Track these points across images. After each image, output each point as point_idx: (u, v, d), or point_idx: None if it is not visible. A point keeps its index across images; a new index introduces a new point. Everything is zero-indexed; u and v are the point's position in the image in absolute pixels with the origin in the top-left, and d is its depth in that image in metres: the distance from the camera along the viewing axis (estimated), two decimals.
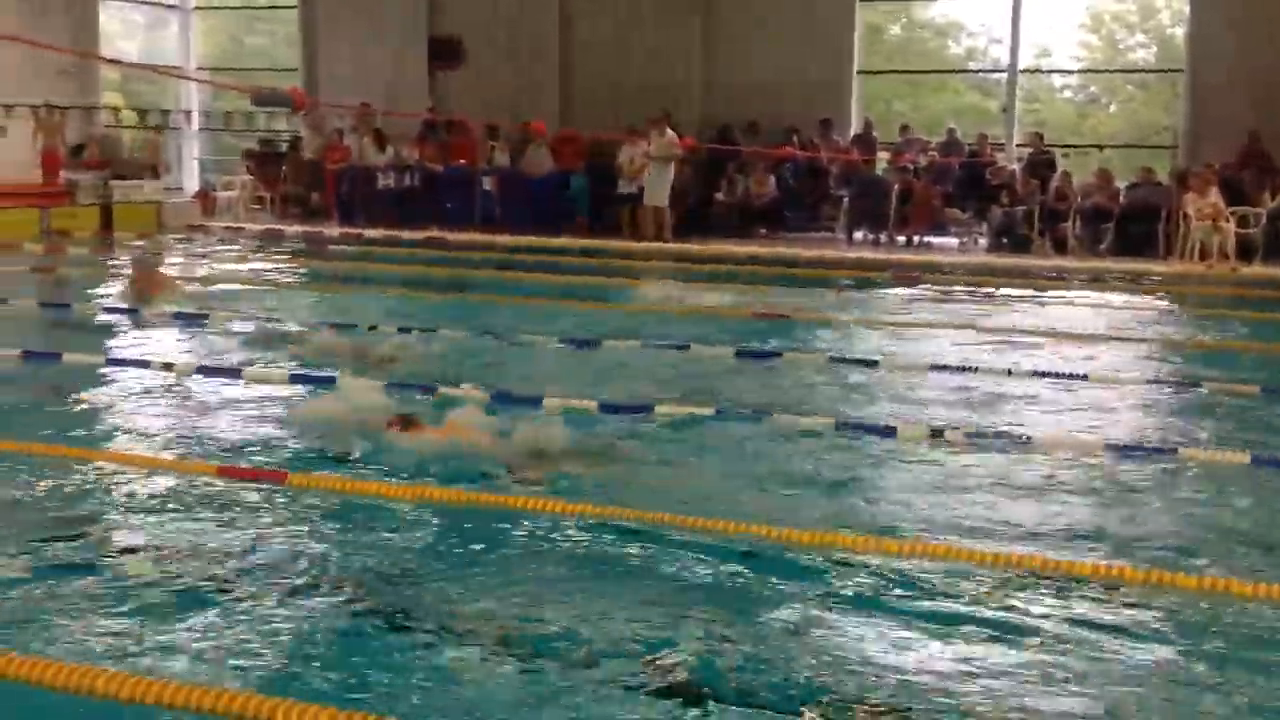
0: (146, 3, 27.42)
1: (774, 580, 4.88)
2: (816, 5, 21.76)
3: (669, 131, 19.24)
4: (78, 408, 7.66)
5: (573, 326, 10.90)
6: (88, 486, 5.98)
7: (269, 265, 16.36)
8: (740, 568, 4.98)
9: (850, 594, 4.77)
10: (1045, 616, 4.55)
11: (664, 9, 22.34)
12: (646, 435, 7.08)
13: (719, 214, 20.64)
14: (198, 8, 27.10)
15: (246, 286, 13.89)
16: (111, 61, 24.11)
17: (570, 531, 5.36)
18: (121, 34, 26.87)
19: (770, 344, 10.14)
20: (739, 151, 20.41)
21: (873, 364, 9.45)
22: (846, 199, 20.12)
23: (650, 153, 19.17)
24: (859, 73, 22.46)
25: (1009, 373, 9.04)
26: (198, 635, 4.25)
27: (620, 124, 19.20)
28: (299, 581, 4.74)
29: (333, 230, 20.40)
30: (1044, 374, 8.95)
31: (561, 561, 5.06)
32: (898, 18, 28.03)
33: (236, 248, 18.51)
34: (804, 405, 8.00)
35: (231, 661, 4.05)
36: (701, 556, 5.07)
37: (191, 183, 25.99)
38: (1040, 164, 19.90)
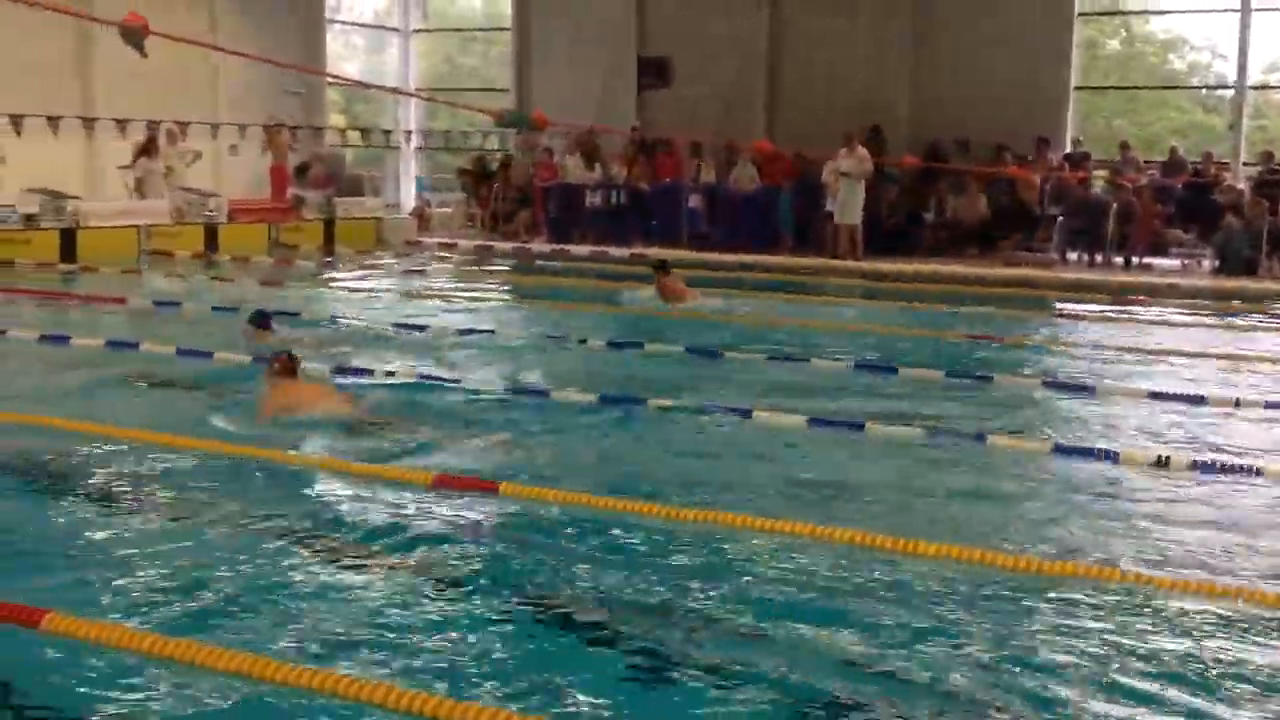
0: (370, 26, 28.56)
1: (991, 600, 4.78)
2: (1033, 20, 21.26)
3: (860, 148, 19.02)
4: (302, 415, 7.97)
5: (782, 339, 10.92)
6: (303, 492, 6.23)
7: (483, 281, 16.80)
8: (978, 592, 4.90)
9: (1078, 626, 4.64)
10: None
11: (876, 25, 22.17)
12: (856, 456, 7.02)
13: (927, 232, 20.33)
14: (417, 30, 28.07)
15: (464, 302, 14.27)
16: (361, 84, 25.22)
17: (797, 553, 5.35)
18: (344, 56, 27.99)
19: (981, 367, 9.94)
20: (953, 169, 20.02)
21: (1088, 389, 9.17)
22: (1061, 218, 19.55)
23: (840, 170, 18.99)
24: (1076, 89, 21.85)
25: (1237, 404, 8.63)
26: (411, 639, 4.39)
27: (828, 140, 19.06)
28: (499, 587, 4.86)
29: (542, 246, 20.83)
30: (1274, 405, 8.53)
31: (773, 582, 5.05)
32: (1117, 32, 27.20)
33: (450, 263, 19.09)
34: (1017, 429, 7.82)
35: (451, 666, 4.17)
36: (953, 585, 5.00)
37: (409, 200, 26.91)
38: (1270, 183, 18.97)
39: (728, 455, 7.07)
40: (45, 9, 13.08)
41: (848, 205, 19.08)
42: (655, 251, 19.53)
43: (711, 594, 4.83)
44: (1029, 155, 20.43)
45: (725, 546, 5.39)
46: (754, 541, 5.42)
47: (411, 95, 25.88)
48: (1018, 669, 4.20)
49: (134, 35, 6.35)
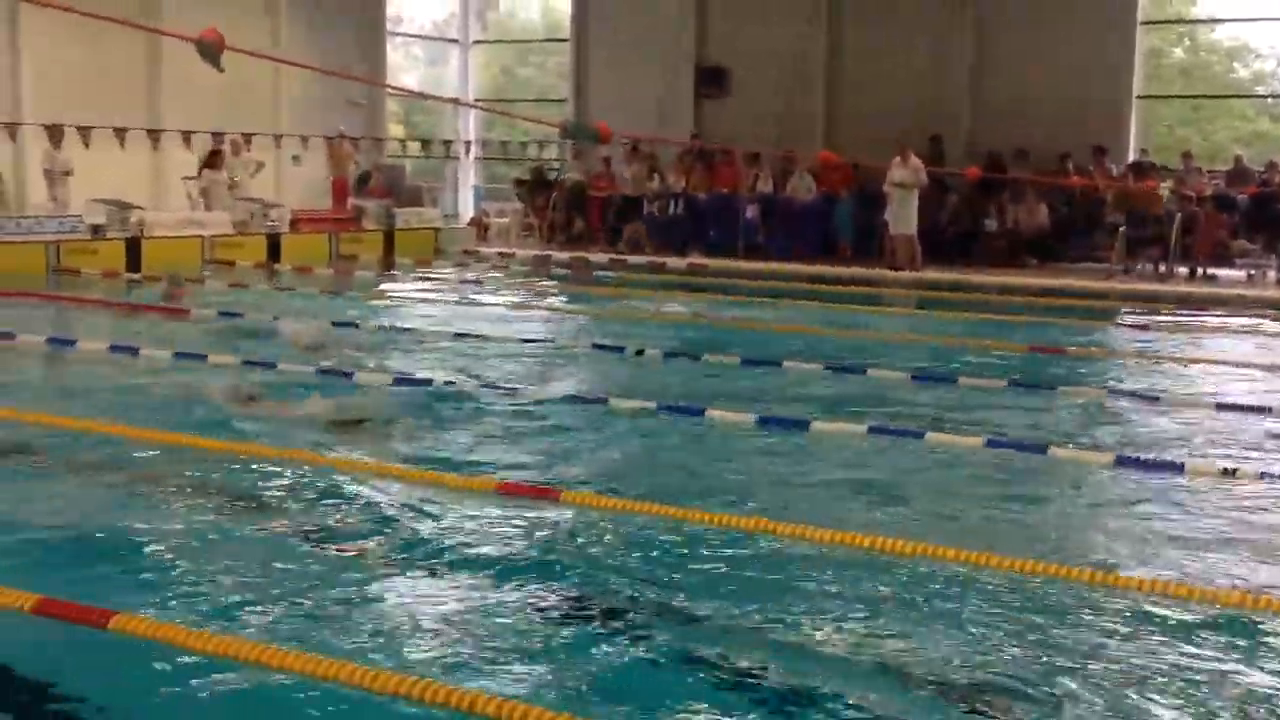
0: (430, 38, 28.82)
1: (1058, 613, 4.74)
2: (1096, 29, 21.08)
3: (914, 158, 18.91)
4: (366, 423, 8.05)
5: (835, 351, 10.90)
6: (367, 498, 6.28)
7: (540, 290, 16.88)
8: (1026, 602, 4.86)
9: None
10: None
11: (935, 33, 22.08)
12: (913, 466, 6.99)
13: (987, 242, 20.19)
14: (476, 42, 28.28)
15: (522, 311, 14.35)
16: (424, 96, 25.46)
17: (858, 564, 5.33)
18: (404, 67, 28.27)
19: (1044, 377, 9.85)
20: (1017, 179, 19.85)
21: (1153, 399, 9.07)
22: (1123, 229, 19.34)
23: (894, 180, 18.89)
24: (1139, 98, 21.63)
25: None
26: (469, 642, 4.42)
27: (887, 150, 18.98)
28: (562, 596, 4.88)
29: (599, 256, 20.89)
30: None
31: (820, 587, 5.04)
32: (1180, 40, 26.91)
33: (508, 272, 19.20)
34: (1081, 439, 7.75)
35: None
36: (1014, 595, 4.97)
37: (467, 209, 27.10)
38: None
39: (786, 464, 7.05)
40: (122, 25, 13.34)
41: (902, 215, 18.99)
42: (713, 262, 19.58)
43: (770, 604, 4.82)
44: (1091, 165, 20.24)
45: (784, 556, 5.38)
46: (813, 551, 5.40)
47: (474, 106, 26.10)
48: (1090, 682, 4.16)
49: (211, 50, 6.44)
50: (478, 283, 17.70)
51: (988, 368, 10.30)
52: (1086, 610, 4.81)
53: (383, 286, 17.29)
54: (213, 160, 20.10)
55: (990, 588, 4.99)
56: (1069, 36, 21.12)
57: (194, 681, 4.02)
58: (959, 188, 20.44)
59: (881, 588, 5.01)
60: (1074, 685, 4.13)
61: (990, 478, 6.79)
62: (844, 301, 15.62)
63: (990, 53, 21.84)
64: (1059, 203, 20.18)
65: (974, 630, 4.57)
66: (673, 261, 19.84)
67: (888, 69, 22.28)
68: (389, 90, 24.75)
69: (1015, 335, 12.45)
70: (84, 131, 19.26)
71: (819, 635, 4.54)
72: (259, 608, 4.67)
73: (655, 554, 5.41)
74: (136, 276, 16.74)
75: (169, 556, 5.27)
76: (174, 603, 4.70)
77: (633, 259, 20.28)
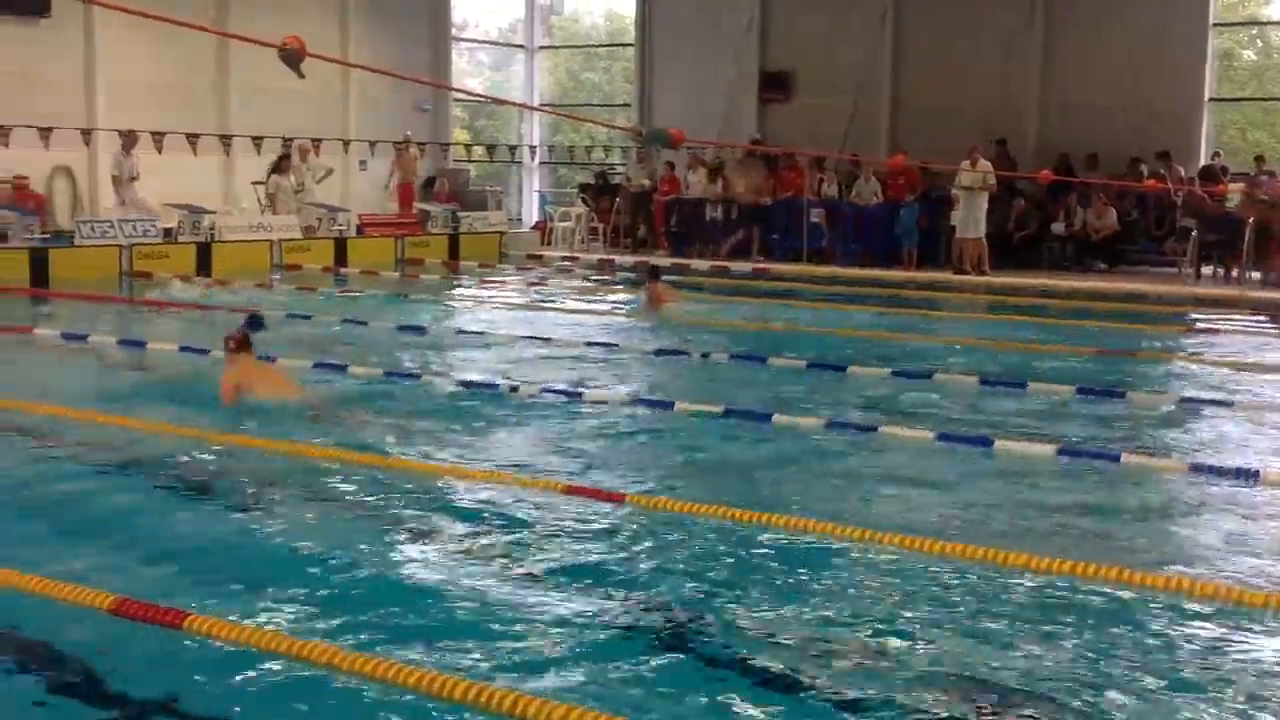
0: (497, 44, 29.01)
1: (1132, 622, 4.68)
2: (1166, 31, 20.81)
3: (983, 161, 18.72)
4: (433, 425, 8.11)
5: (901, 356, 10.83)
6: (440, 499, 6.33)
7: (604, 294, 16.92)
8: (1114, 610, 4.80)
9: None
10: None
11: (1003, 37, 21.89)
12: (981, 473, 6.92)
13: (1054, 247, 19.98)
14: (542, 47, 28.43)
15: (586, 315, 14.38)
16: (498, 101, 25.72)
17: (923, 569, 5.29)
18: (469, 72, 28.47)
19: (1114, 382, 9.73)
20: (1088, 183, 19.60)
21: (1226, 405, 8.93)
22: (1194, 233, 19.05)
23: (962, 184, 18.73)
24: (1210, 100, 21.30)
25: None
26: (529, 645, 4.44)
27: (953, 154, 18.83)
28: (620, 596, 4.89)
29: (663, 261, 20.88)
30: None
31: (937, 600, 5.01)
32: (1253, 42, 26.47)
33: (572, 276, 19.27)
34: (1153, 446, 7.65)
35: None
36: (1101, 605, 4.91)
37: (531, 214, 27.23)
38: None
39: (853, 469, 7.02)
40: (198, 31, 13.56)
41: (970, 219, 18.83)
42: (777, 267, 19.54)
43: (834, 609, 4.80)
44: (1160, 168, 19.96)
45: (848, 560, 5.36)
46: (878, 556, 5.37)
47: (544, 110, 26.24)
48: (1169, 690, 4.11)
49: (293, 57, 6.51)
50: (542, 286, 17.77)
51: (1056, 373, 10.18)
52: (1159, 617, 4.74)
53: (447, 290, 17.40)
54: (281, 165, 20.35)
55: (1062, 596, 4.94)
56: (1139, 38, 20.86)
57: (265, 682, 4.07)
58: (1027, 191, 20.23)
59: (950, 594, 4.97)
60: (1148, 688, 4.08)
61: (1061, 485, 6.71)
62: (910, 306, 15.53)
63: (1059, 54, 21.62)
64: (1128, 206, 19.92)
65: (1043, 637, 4.53)
66: (737, 266, 19.80)
67: (954, 71, 22.12)
68: (461, 95, 24.96)
69: (1084, 340, 12.30)
70: (157, 137, 19.57)
71: (888, 642, 4.51)
72: (328, 609, 4.72)
73: (721, 558, 5.41)
74: (208, 280, 16.97)
75: (240, 558, 5.34)
76: (246, 604, 4.76)
77: (697, 264, 20.26)
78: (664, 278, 15.02)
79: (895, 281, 18.10)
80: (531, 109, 26.39)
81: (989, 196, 18.85)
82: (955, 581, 5.10)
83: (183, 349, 10.50)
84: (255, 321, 8.24)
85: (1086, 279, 18.22)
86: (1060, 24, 21.66)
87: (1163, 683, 4.17)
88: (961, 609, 4.84)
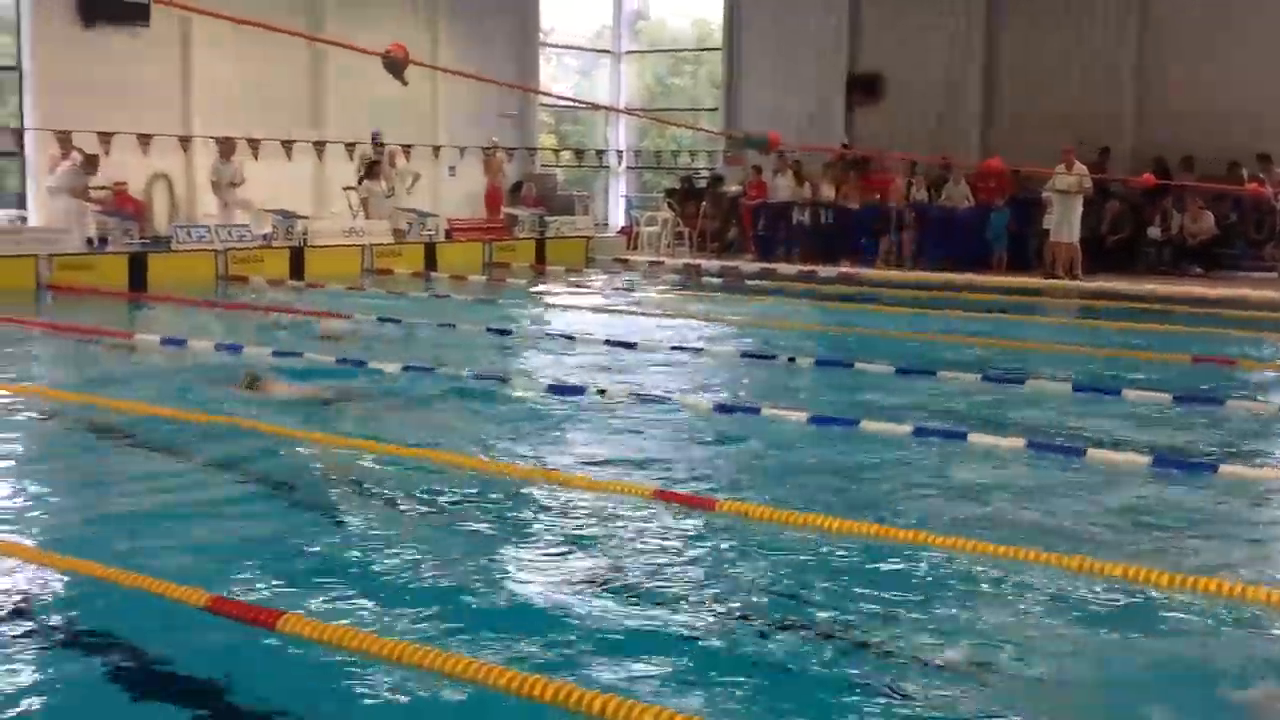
0: (584, 50, 29.13)
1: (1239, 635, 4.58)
2: (1268, 32, 20.30)
3: (1078, 164, 18.38)
4: (520, 428, 8.17)
5: (992, 361, 10.71)
6: (528, 503, 6.37)
7: (690, 298, 16.92)
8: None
9: None
10: None
11: (1099, 37, 21.52)
12: (1074, 482, 6.81)
13: (1149, 251, 19.60)
14: (629, 52, 28.50)
15: (672, 319, 14.38)
16: (594, 106, 25.85)
17: (1017, 579, 5.22)
18: (556, 78, 28.59)
19: (1211, 390, 9.52)
20: (1189, 187, 19.18)
21: None
22: None
23: (1057, 187, 18.42)
24: None
25: None
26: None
27: (1046, 156, 18.52)
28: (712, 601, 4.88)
29: (750, 265, 20.85)
30: None
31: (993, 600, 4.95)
32: None
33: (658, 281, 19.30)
34: (1252, 457, 7.48)
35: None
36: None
37: (617, 218, 27.31)
38: None
39: (941, 477, 6.95)
40: (292, 37, 13.76)
41: (1064, 223, 18.53)
42: (865, 272, 19.40)
43: (922, 619, 4.76)
44: (1260, 172, 19.48)
45: (937, 568, 5.30)
46: (965, 565, 5.31)
47: (638, 115, 26.32)
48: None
49: (396, 65, 6.60)
50: (628, 290, 17.81)
51: (1151, 380, 9.99)
52: (1258, 632, 4.64)
53: (534, 294, 17.51)
54: (373, 171, 20.63)
55: (1151, 605, 4.86)
56: (1240, 40, 20.37)
57: (357, 683, 4.12)
58: (1121, 194, 19.87)
59: (1041, 603, 4.90)
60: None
61: (1156, 495, 6.59)
62: (1000, 311, 15.35)
63: (1156, 55, 21.20)
64: (1226, 210, 19.47)
65: (1139, 646, 4.45)
66: (824, 270, 19.70)
67: (1047, 73, 21.80)
68: (548, 100, 25.08)
69: (1180, 346, 12.05)
70: (253, 144, 19.94)
71: (982, 651, 4.46)
72: (419, 611, 4.77)
73: (809, 564, 5.38)
74: (300, 284, 17.24)
75: (335, 559, 5.41)
76: (339, 604, 4.82)
77: (783, 268, 20.19)
78: (749, 281, 14.98)
79: (985, 286, 17.88)
80: (625, 113, 26.46)
81: (1083, 200, 18.54)
82: (1045, 590, 5.03)
83: (276, 353, 10.67)
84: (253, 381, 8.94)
85: (1183, 284, 17.85)
86: (1156, 25, 21.24)
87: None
88: (1052, 619, 4.77)
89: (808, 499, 6.28)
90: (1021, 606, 4.89)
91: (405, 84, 6.85)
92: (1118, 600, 4.94)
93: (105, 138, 18.54)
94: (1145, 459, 7.10)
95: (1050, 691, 4.15)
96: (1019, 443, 7.41)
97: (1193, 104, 20.38)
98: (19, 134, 18.91)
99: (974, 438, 7.54)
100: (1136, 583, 5.00)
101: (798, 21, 24.52)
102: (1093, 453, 7.18)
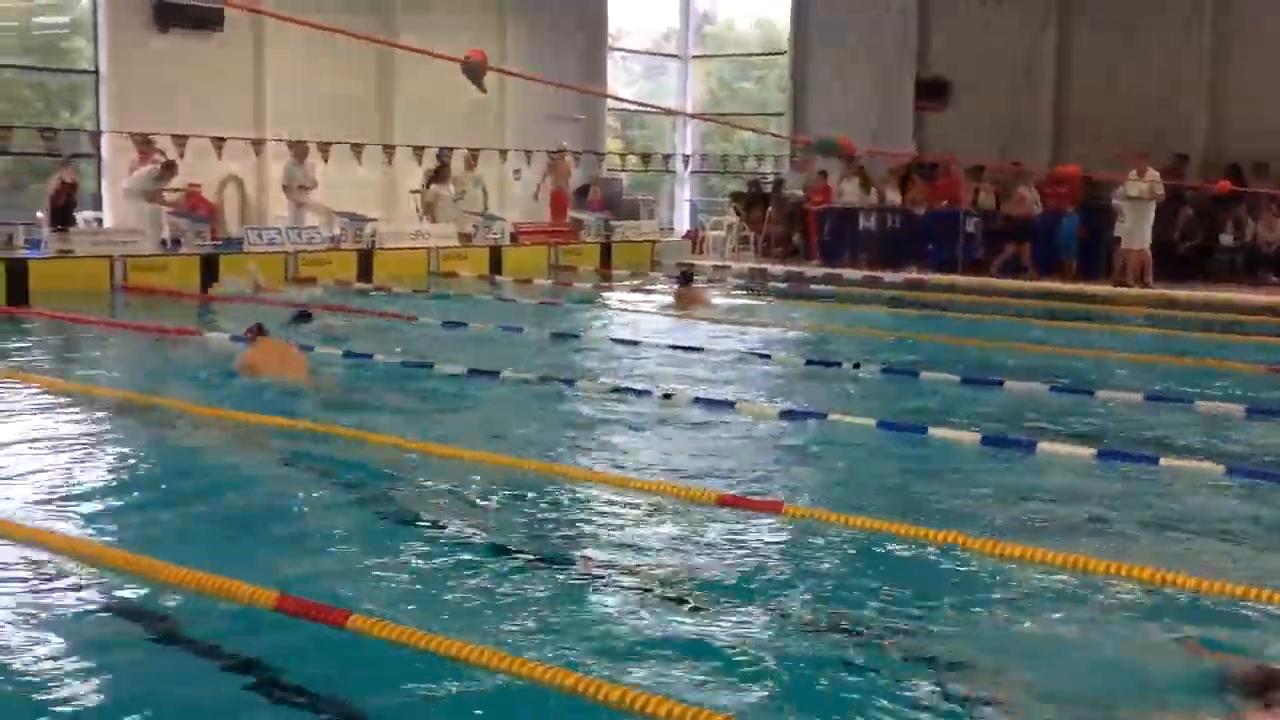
0: (652, 54, 29.17)
1: None
2: None
3: (1151, 171, 18.11)
4: (586, 431, 8.20)
5: (1061, 370, 10.60)
6: (589, 507, 6.40)
7: (756, 303, 16.89)
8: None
9: None
10: None
11: (1171, 42, 21.22)
12: (1145, 492, 6.72)
13: (1221, 259, 19.29)
14: (696, 56, 28.51)
15: (737, 325, 14.35)
16: (665, 111, 25.89)
17: (1089, 590, 5.17)
18: (622, 82, 28.63)
19: None
20: (1258, 193, 18.83)
21: None
22: None
23: (1129, 194, 18.16)
24: None
25: None
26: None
27: (1117, 162, 18.29)
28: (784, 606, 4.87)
29: (815, 270, 20.78)
30: None
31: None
32: None
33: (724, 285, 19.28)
34: None
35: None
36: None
37: (683, 223, 27.31)
38: None
39: (1009, 485, 6.87)
40: (366, 42, 13.89)
41: (1136, 230, 18.27)
42: (931, 277, 19.27)
43: (993, 626, 4.72)
44: None
45: (1005, 578, 5.25)
46: (1039, 575, 5.26)
47: (711, 119, 26.35)
48: None
49: (475, 71, 6.66)
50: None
51: (1225, 390, 9.84)
52: None
53: (599, 298, 17.55)
54: (440, 174, 20.79)
55: (1227, 615, 4.78)
56: None
57: (424, 682, 4.15)
58: (1193, 201, 19.57)
59: (1110, 613, 4.85)
60: None
61: (1230, 507, 6.48)
62: (1070, 318, 15.17)
63: (1229, 61, 20.87)
64: None
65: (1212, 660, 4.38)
66: (890, 276, 19.59)
67: (1118, 78, 21.53)
68: (628, 105, 25.16)
69: (1254, 355, 11.86)
70: (324, 147, 20.18)
71: (1047, 661, 4.41)
72: (484, 611, 4.81)
73: (878, 571, 5.35)
74: (368, 286, 17.41)
75: (400, 559, 5.46)
76: (408, 605, 4.87)
77: (849, 273, 20.10)
78: (814, 286, 14.93)
79: (1054, 293, 17.69)
80: (696, 118, 26.49)
81: (1155, 206, 18.28)
82: (1117, 601, 4.98)
83: (347, 354, 10.78)
84: (304, 316, 10.25)
85: (1256, 292, 17.55)
86: (1228, 29, 20.91)
87: None
88: (1126, 631, 4.71)
89: (874, 504, 6.24)
90: (1092, 618, 4.83)
91: (484, 91, 6.90)
92: (1193, 610, 4.87)
93: (180, 141, 18.85)
94: (1219, 468, 7.00)
95: (1124, 703, 4.09)
96: (1088, 452, 7.33)
97: (1266, 110, 20.04)
98: (96, 137, 19.27)
99: (1044, 446, 7.46)
100: (1211, 594, 4.93)
101: (865, 25, 24.40)
102: (1165, 462, 7.07)
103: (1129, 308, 16.74)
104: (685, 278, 16.25)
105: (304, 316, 12.14)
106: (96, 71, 19.41)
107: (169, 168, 17.71)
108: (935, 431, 7.81)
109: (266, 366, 9.16)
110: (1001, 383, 9.82)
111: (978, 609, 4.93)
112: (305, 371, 9.45)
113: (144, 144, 18.28)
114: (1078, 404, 9.18)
